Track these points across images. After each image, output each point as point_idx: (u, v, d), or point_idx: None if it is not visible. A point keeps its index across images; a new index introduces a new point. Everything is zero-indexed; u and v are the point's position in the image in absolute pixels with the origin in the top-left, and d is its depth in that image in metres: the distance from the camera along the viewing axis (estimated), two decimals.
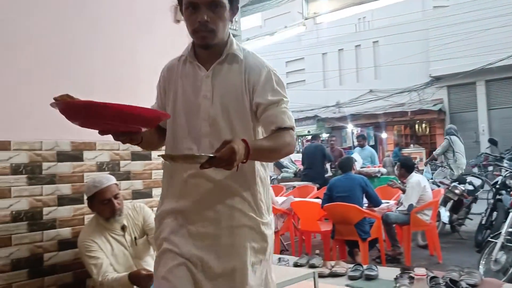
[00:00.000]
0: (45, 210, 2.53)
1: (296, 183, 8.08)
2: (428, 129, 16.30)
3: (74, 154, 2.67)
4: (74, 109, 1.28)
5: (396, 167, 7.64)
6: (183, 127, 1.61)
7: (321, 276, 3.57)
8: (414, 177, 5.40)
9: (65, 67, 2.63)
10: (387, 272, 3.94)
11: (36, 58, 2.51)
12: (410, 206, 5.10)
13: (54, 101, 1.28)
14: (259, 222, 1.60)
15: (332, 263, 4.08)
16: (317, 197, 6.33)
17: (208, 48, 1.58)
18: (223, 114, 1.57)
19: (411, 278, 3.49)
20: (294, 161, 9.80)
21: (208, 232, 1.57)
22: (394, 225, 5.26)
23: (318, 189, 7.25)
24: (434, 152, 8.60)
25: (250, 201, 1.59)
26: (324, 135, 16.29)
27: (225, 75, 1.60)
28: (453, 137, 8.11)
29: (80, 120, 1.31)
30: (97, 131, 1.38)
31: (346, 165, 5.38)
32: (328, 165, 8.42)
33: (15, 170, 2.41)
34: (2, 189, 2.36)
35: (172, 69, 1.69)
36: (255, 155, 1.40)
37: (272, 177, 10.86)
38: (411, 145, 15.75)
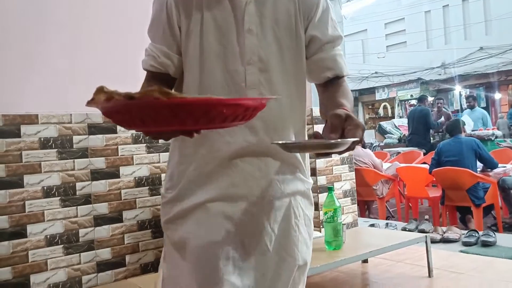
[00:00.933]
0: (163, 176, 2.73)
1: (400, 149, 7.80)
2: None
3: None
4: (176, 112, 0.77)
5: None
6: (216, 77, 1.12)
7: (433, 241, 3.46)
8: None
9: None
10: (506, 239, 3.72)
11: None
12: None
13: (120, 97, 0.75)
14: (310, 185, 1.26)
15: (444, 228, 3.94)
16: (424, 163, 6.09)
17: None
18: (278, 54, 1.14)
19: None
20: (398, 126, 9.44)
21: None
22: None
23: (424, 154, 6.96)
24: None
25: (303, 168, 1.23)
26: (430, 98, 15.45)
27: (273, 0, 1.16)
28: None
29: (160, 127, 0.81)
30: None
31: (454, 128, 5.09)
32: (432, 131, 8.00)
33: (136, 140, 2.62)
34: (126, 157, 2.59)
35: None
36: None
37: (374, 144, 10.59)
38: None
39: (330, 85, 1.20)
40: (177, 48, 1.15)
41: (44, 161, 2.33)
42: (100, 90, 0.77)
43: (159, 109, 0.77)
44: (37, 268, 2.28)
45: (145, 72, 1.19)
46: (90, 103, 0.78)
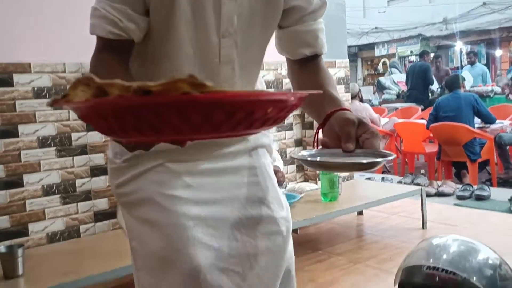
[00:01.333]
0: None
1: (398, 105, 7.78)
2: None
3: None
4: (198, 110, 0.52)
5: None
6: (186, 47, 0.95)
7: (428, 195, 3.50)
8: None
9: None
10: (500, 193, 3.76)
11: None
12: None
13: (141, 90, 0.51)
14: (271, 138, 1.18)
15: (439, 182, 3.98)
16: (422, 119, 6.09)
17: None
18: (249, 23, 0.97)
19: None
20: (396, 82, 9.35)
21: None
22: (508, 147, 4.93)
23: (422, 110, 6.94)
24: None
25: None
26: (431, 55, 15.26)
27: None
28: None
29: (167, 136, 0.55)
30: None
31: (453, 83, 5.05)
32: (431, 87, 7.94)
33: None
34: None
35: None
36: None
37: (372, 101, 10.54)
38: None
39: (308, 64, 1.05)
40: (143, 7, 0.92)
41: (39, 110, 2.30)
42: (83, 82, 0.49)
43: (190, 111, 0.50)
44: (35, 217, 2.30)
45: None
46: (60, 102, 0.50)
